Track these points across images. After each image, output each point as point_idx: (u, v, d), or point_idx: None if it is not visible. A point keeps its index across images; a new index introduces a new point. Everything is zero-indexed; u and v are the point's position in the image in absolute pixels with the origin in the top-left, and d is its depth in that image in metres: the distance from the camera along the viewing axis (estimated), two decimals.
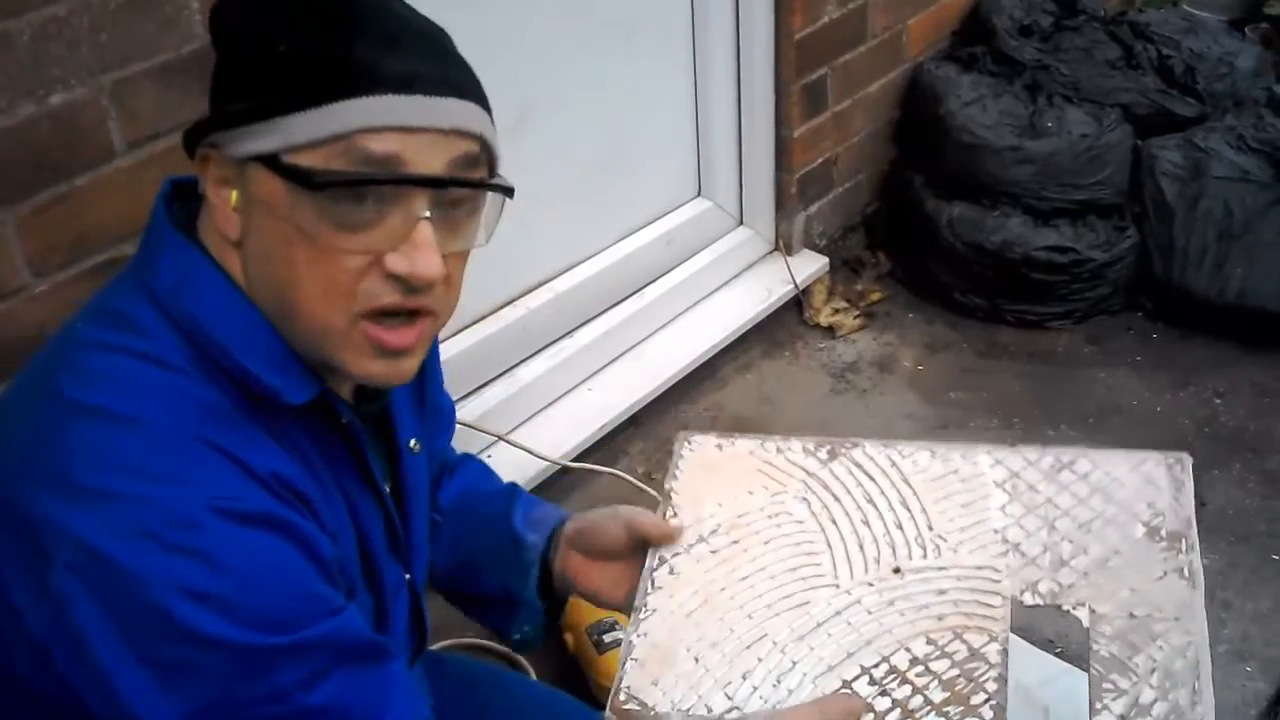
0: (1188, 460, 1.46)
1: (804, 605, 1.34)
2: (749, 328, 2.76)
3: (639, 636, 1.32)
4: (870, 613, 1.32)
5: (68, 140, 1.57)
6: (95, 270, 1.63)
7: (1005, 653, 1.28)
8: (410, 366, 1.02)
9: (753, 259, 2.89)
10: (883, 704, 1.24)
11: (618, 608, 1.40)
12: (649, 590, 1.37)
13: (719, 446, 1.51)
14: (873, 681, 1.26)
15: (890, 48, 2.99)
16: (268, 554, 0.93)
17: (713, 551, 1.40)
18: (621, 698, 1.27)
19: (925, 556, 1.37)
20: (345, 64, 0.94)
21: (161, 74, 1.63)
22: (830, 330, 2.85)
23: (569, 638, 1.91)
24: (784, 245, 2.89)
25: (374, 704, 1.00)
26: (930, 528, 1.40)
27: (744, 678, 1.28)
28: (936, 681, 1.25)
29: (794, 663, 1.29)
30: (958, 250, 2.87)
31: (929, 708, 1.23)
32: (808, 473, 1.47)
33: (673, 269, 2.72)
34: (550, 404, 2.43)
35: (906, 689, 1.25)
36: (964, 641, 1.28)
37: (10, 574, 0.91)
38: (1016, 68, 2.98)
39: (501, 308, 2.38)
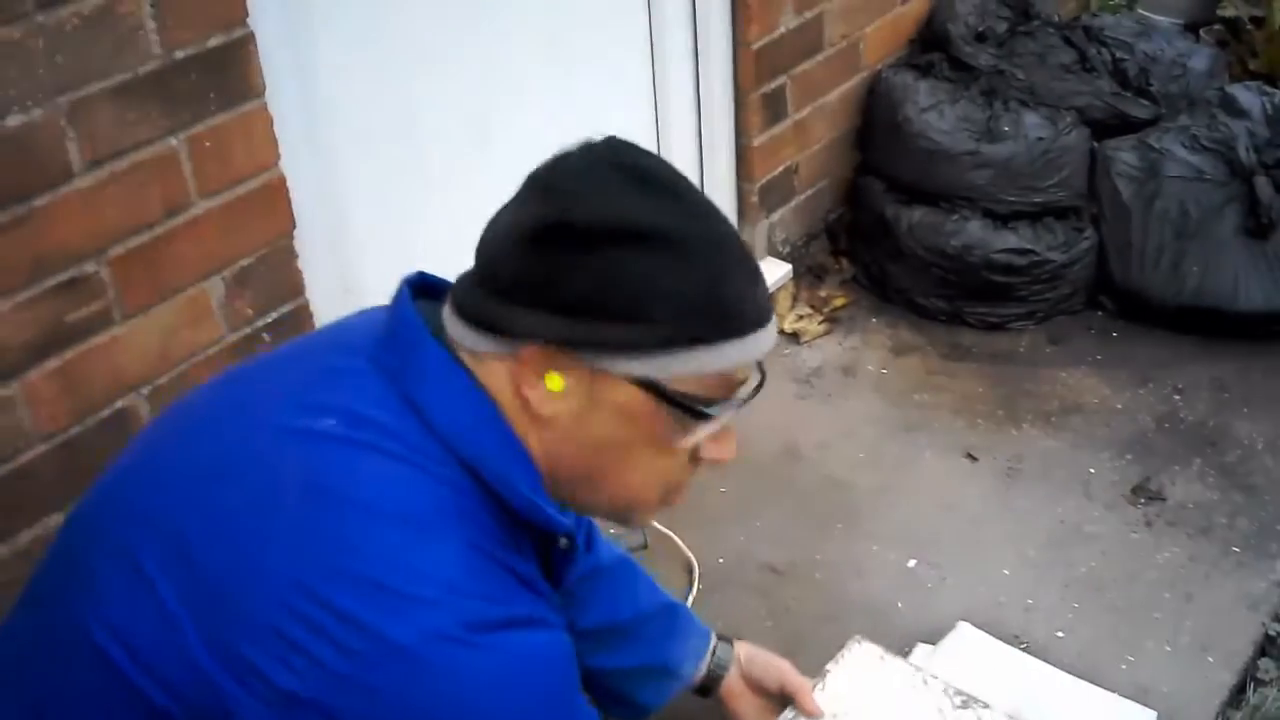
0: None
1: None
2: None
3: None
4: None
5: (25, 161, 1.57)
6: (57, 290, 1.64)
7: None
8: None
9: None
10: None
11: None
12: None
13: (880, 658, 1.86)
14: None
15: (848, 56, 3.02)
16: (550, 645, 1.06)
17: None
18: None
19: None
20: (741, 307, 1.06)
21: (119, 93, 1.64)
22: (795, 336, 2.87)
23: None
24: None
25: None
26: None
27: None
28: None
29: None
30: (919, 255, 2.90)
31: None
32: (938, 709, 1.78)
33: None
34: None
35: None
36: None
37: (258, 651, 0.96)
38: (973, 74, 3.01)
39: None
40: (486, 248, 1.09)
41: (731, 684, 1.72)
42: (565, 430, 1.08)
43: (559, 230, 1.02)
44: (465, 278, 1.10)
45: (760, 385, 1.16)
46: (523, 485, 1.06)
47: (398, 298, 1.12)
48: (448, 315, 1.09)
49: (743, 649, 1.74)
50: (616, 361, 1.04)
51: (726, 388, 1.10)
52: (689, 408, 1.06)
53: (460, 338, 1.07)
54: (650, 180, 1.05)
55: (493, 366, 1.07)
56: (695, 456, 1.15)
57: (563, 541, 1.15)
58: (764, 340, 1.10)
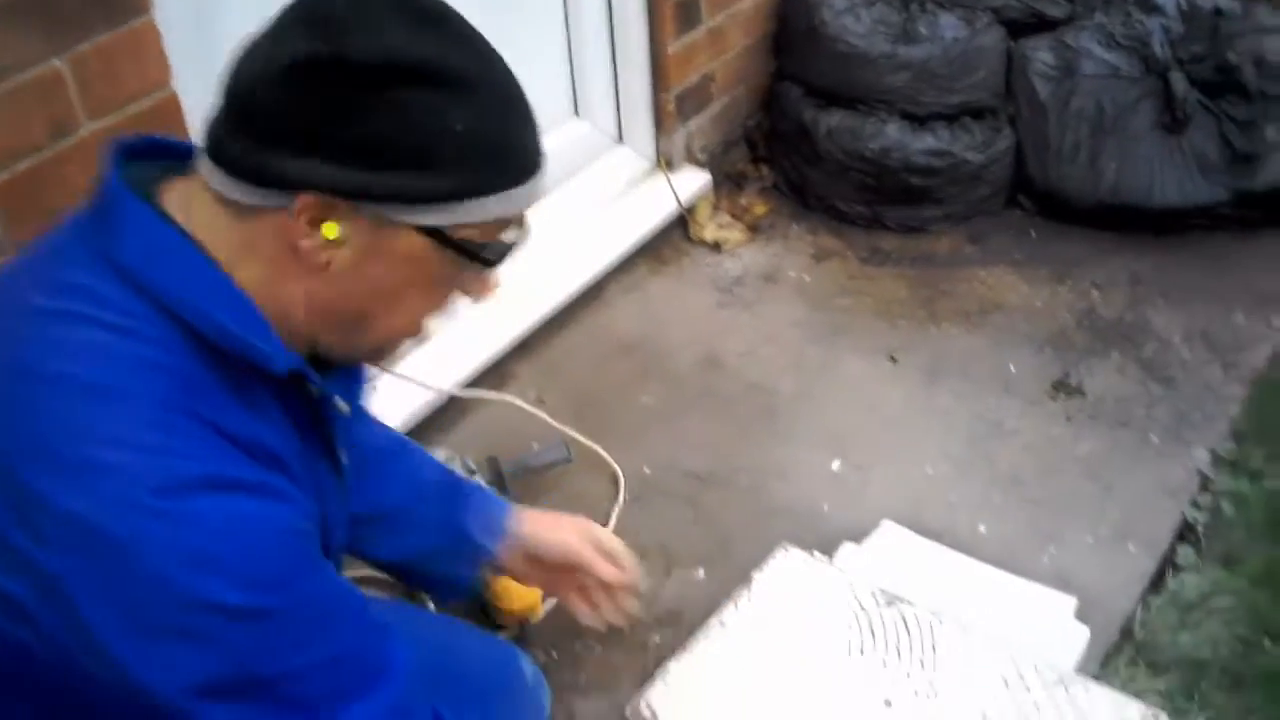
0: (1164, 717, 1.70)
1: (805, 699, 1.75)
2: (635, 248, 2.75)
3: (677, 668, 1.79)
4: None
5: None
6: None
7: None
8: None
9: (634, 178, 2.87)
10: None
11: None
12: (702, 638, 1.83)
13: (806, 562, 1.95)
14: None
15: None
16: (255, 517, 0.93)
17: (761, 634, 1.84)
18: (642, 704, 1.75)
19: (914, 699, 1.74)
20: (526, 152, 1.02)
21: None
22: (716, 246, 2.85)
23: None
24: (665, 163, 2.87)
25: (379, 647, 1.04)
26: (931, 683, 1.76)
27: None
28: None
29: None
30: (838, 159, 2.88)
31: None
32: (863, 608, 1.86)
33: (552, 192, 2.68)
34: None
35: None
36: None
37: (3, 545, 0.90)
38: None
39: None
40: (241, 87, 0.96)
41: (508, 560, 1.57)
42: (338, 277, 1.00)
43: (333, 67, 0.92)
44: (217, 125, 0.98)
45: (525, 229, 1.07)
46: (234, 324, 0.96)
47: (102, 162, 1.03)
48: (206, 167, 0.99)
49: (524, 522, 1.57)
50: (400, 211, 0.97)
51: (501, 230, 1.03)
52: (471, 253, 1.00)
53: (224, 190, 0.97)
54: (430, 17, 0.97)
55: (261, 219, 0.98)
56: (460, 294, 1.09)
57: (313, 389, 1.04)
58: (542, 185, 1.05)
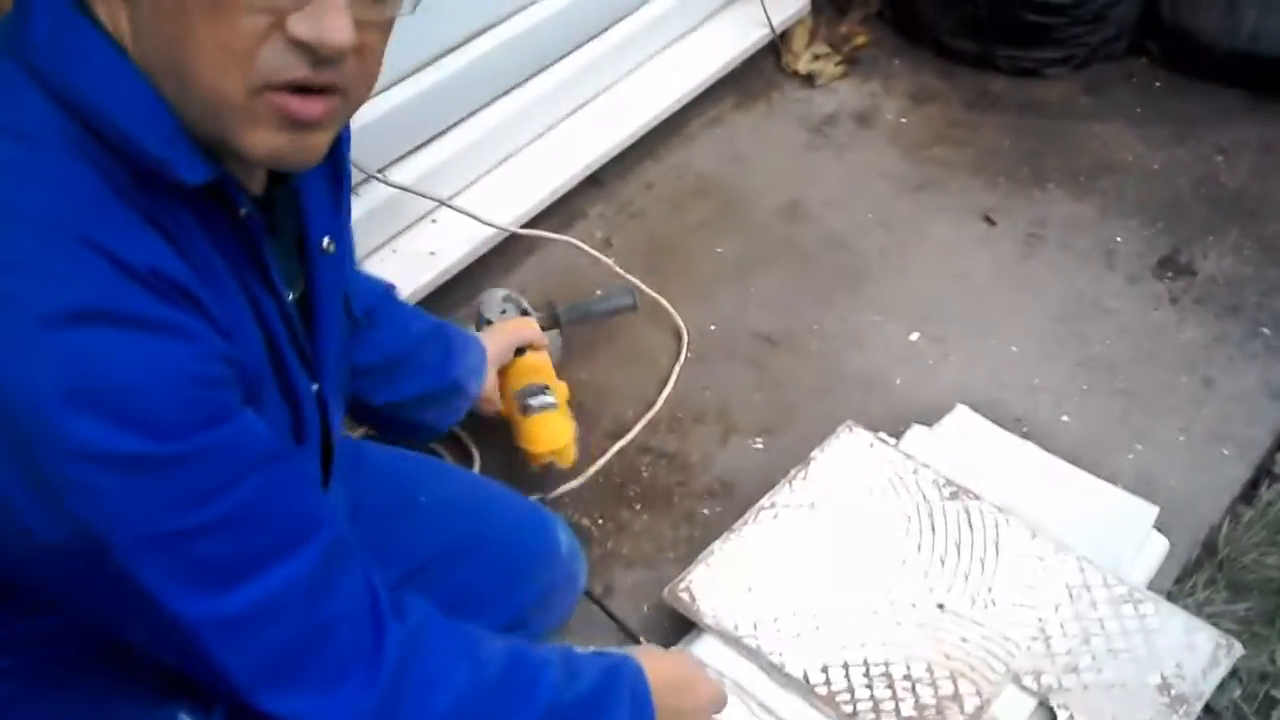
0: (1237, 648, 1.59)
1: (852, 592, 1.64)
2: (720, 76, 2.56)
3: (721, 551, 1.69)
4: (899, 624, 1.61)
5: None
6: None
7: (981, 709, 1.51)
8: (319, 144, 0.90)
9: None
10: (862, 693, 1.53)
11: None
12: (748, 522, 1.73)
13: (870, 444, 1.83)
14: (865, 674, 1.55)
15: None
16: (149, 356, 0.82)
17: (813, 519, 1.74)
18: (680, 586, 1.66)
19: (971, 606, 1.63)
20: None
21: None
22: (809, 79, 2.65)
23: (502, 403, 1.80)
24: None
25: (298, 510, 0.93)
26: (989, 589, 1.65)
27: (774, 620, 1.61)
28: (913, 701, 1.52)
29: (817, 628, 1.61)
30: None
31: (894, 715, 1.51)
32: (925, 499, 1.76)
33: (637, 9, 2.49)
34: (499, 164, 2.25)
35: (887, 692, 1.54)
36: (954, 684, 1.54)
37: None
38: None
39: (443, 55, 2.16)
40: None
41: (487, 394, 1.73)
42: (139, 6, 0.84)
43: None
44: None
45: None
46: (129, 122, 0.84)
47: None
48: None
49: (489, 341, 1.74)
50: None
51: None
52: None
53: None
54: None
55: None
56: (285, 35, 0.85)
57: (243, 211, 0.93)
58: None
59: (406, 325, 1.58)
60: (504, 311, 1.89)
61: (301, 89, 0.85)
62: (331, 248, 1.09)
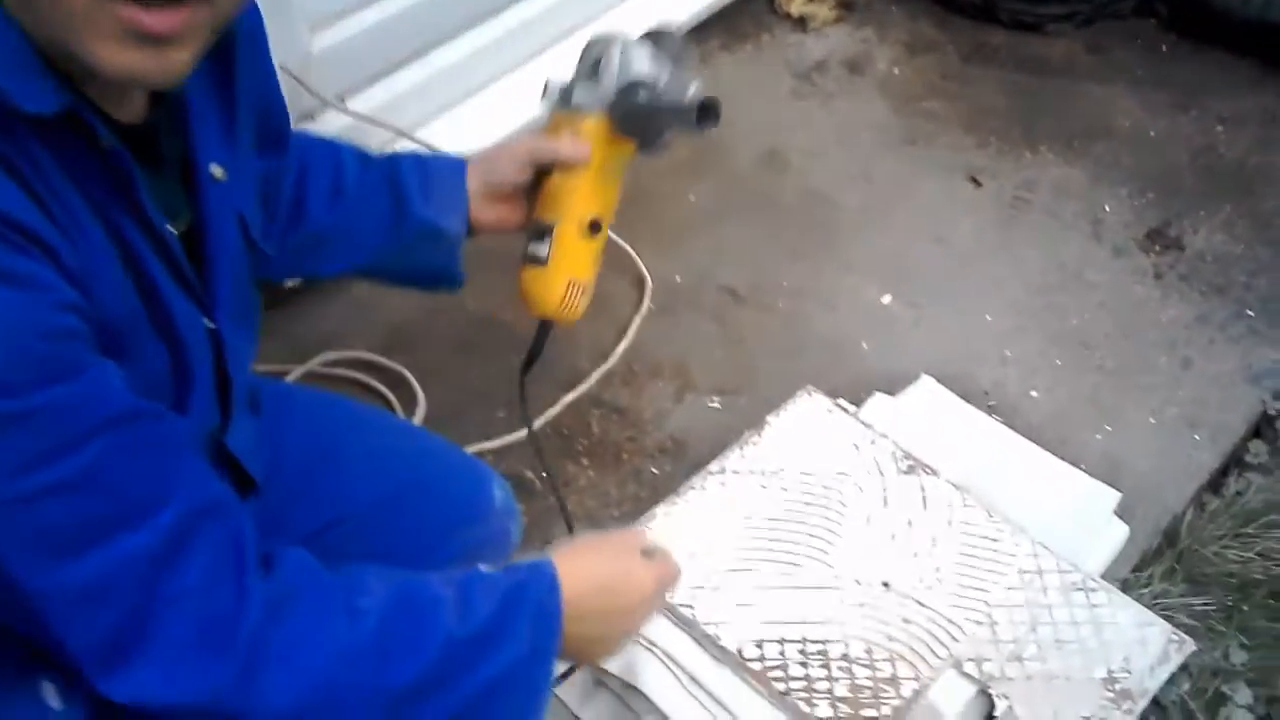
0: (1189, 645, 1.52)
1: (796, 567, 1.57)
2: (709, 13, 2.46)
3: (663, 514, 1.61)
4: (841, 602, 1.54)
5: None
6: None
7: (918, 694, 1.45)
8: (179, 60, 0.83)
9: None
10: (796, 671, 1.47)
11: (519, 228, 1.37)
12: (694, 487, 1.65)
13: (829, 410, 1.75)
14: (801, 651, 1.49)
15: None
16: None
17: (763, 486, 1.66)
18: None
19: (916, 586, 1.55)
20: None
21: None
22: (802, 22, 2.55)
23: None
24: None
25: (152, 475, 0.85)
26: (938, 569, 1.57)
27: (713, 590, 1.54)
28: (849, 682, 1.46)
29: (757, 601, 1.53)
30: None
31: (828, 696, 1.45)
32: (880, 471, 1.68)
33: None
34: (468, 96, 2.16)
35: (823, 672, 1.47)
36: (893, 666, 1.48)
37: None
38: None
39: None
40: None
41: (482, 220, 1.35)
42: None
43: None
44: None
45: None
46: None
47: None
48: None
49: (473, 178, 1.33)
50: None
51: None
52: None
53: None
54: None
55: None
56: None
57: (105, 142, 0.85)
58: None
59: (340, 183, 1.34)
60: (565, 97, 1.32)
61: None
62: (222, 175, 1.02)
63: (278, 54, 1.14)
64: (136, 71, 0.81)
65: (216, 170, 1.01)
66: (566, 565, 1.07)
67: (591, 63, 1.26)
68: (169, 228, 0.94)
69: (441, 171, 1.35)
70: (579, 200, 1.29)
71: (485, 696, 0.96)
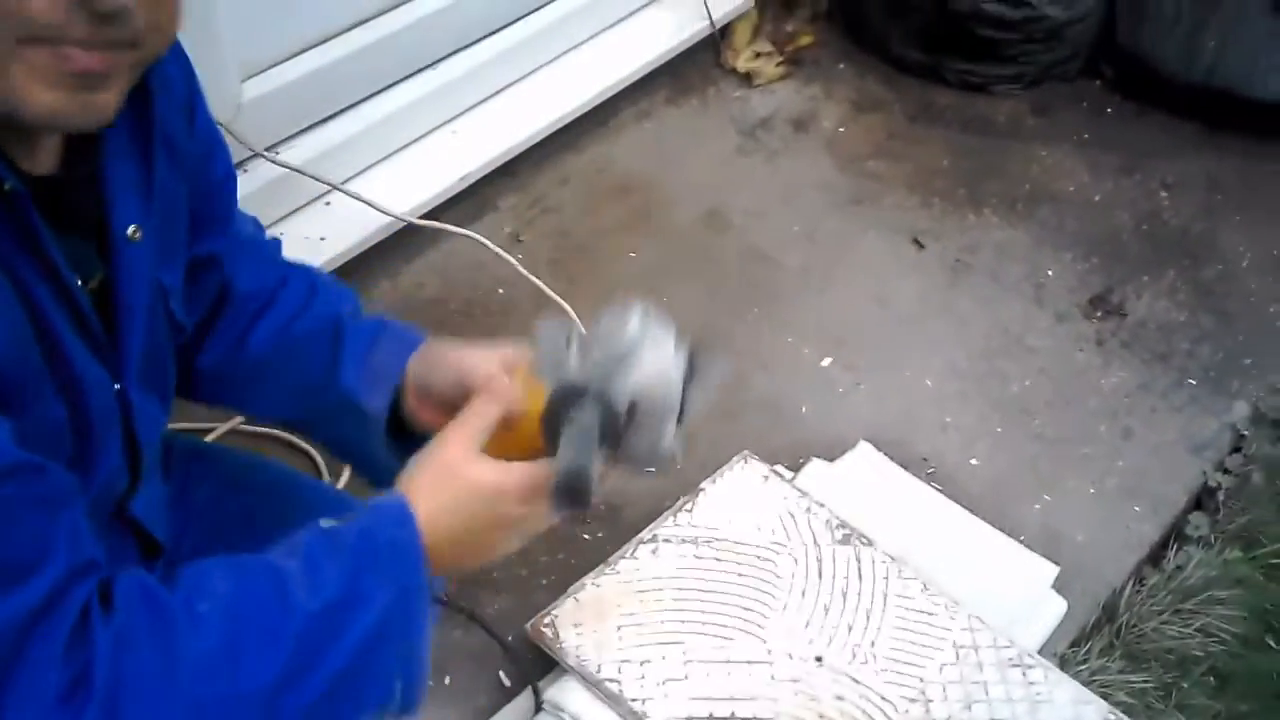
0: None
1: (728, 640, 1.54)
2: (654, 67, 2.43)
3: (592, 585, 1.58)
4: (773, 678, 1.51)
5: None
6: None
7: None
8: (105, 101, 0.79)
9: None
10: None
11: None
12: (625, 555, 1.61)
13: (765, 477, 1.72)
14: None
15: None
16: None
17: (696, 556, 1.63)
18: (545, 620, 1.54)
19: (850, 662, 1.53)
20: None
21: None
22: (748, 78, 2.53)
23: None
24: None
25: (31, 534, 0.79)
26: (873, 643, 1.55)
27: (641, 664, 1.51)
28: None
29: (686, 676, 1.50)
30: None
31: None
32: (816, 541, 1.65)
33: None
34: (404, 147, 2.12)
35: None
36: None
37: None
38: None
39: (351, 29, 2.03)
40: None
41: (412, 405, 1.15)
42: None
43: None
44: None
45: None
46: None
47: None
48: None
49: (413, 369, 1.14)
50: None
51: None
52: None
53: None
54: None
55: None
56: None
57: (7, 186, 0.81)
58: None
59: (290, 322, 1.22)
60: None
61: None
62: (138, 235, 0.97)
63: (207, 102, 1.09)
64: (61, 113, 0.78)
65: (133, 231, 0.96)
66: (413, 491, 0.94)
67: (611, 350, 0.94)
68: (78, 284, 0.90)
69: (390, 345, 1.16)
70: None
71: (366, 652, 0.87)
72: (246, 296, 1.20)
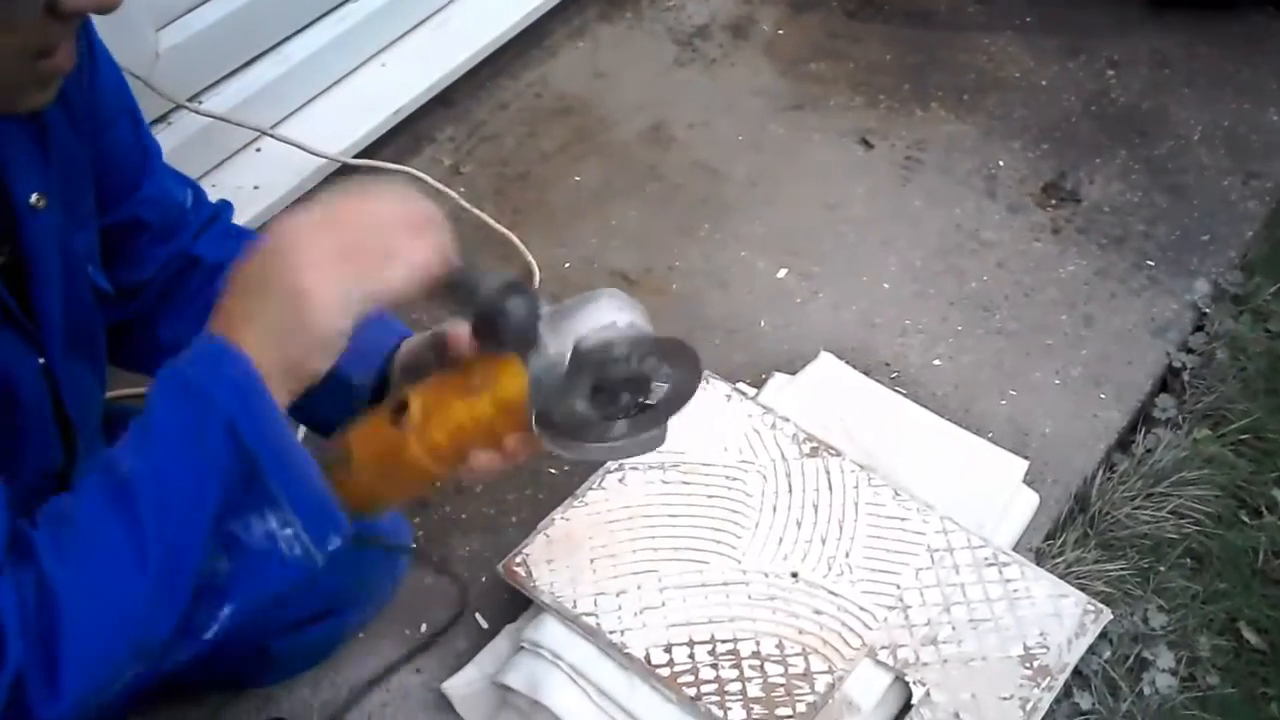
0: (1106, 615, 1.48)
1: (702, 564, 1.52)
2: None
3: (561, 519, 1.55)
4: (750, 598, 1.49)
5: None
6: None
7: (833, 687, 1.40)
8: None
9: None
10: (707, 674, 1.41)
11: None
12: (592, 486, 1.57)
13: (728, 396, 1.68)
14: (711, 653, 1.43)
15: None
16: None
17: (664, 481, 1.59)
18: (516, 559, 1.50)
19: (826, 575, 1.50)
20: None
21: None
22: None
23: None
24: None
25: None
26: (847, 554, 1.53)
27: (617, 595, 1.48)
28: (761, 681, 1.41)
29: (663, 603, 1.48)
30: None
31: (740, 698, 1.39)
32: (784, 456, 1.62)
33: None
34: (332, 85, 2.05)
35: (734, 672, 1.41)
36: (806, 660, 1.43)
37: None
38: None
39: None
40: None
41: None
42: None
43: None
44: None
45: None
46: None
47: None
48: None
49: (403, 353, 1.09)
50: None
51: None
52: None
53: None
54: None
55: None
56: (53, 10, 0.76)
57: None
58: None
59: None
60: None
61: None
62: (42, 203, 0.92)
63: (121, 56, 1.04)
64: (39, 105, 0.84)
65: (36, 199, 0.91)
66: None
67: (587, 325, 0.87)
68: None
69: (378, 327, 1.07)
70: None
71: (227, 453, 0.77)
72: (213, 267, 1.15)
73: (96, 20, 0.95)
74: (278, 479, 0.78)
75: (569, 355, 0.86)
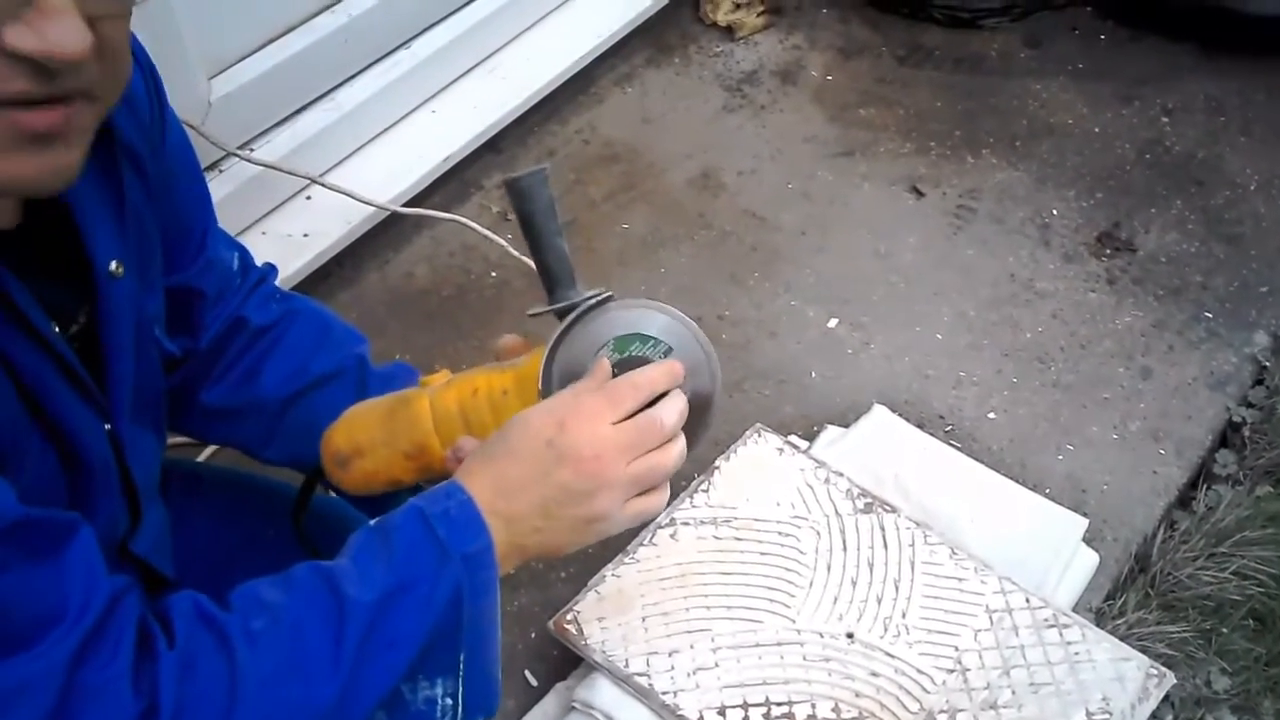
0: (1170, 679, 1.44)
1: (756, 623, 1.49)
2: (632, 28, 2.36)
3: (613, 576, 1.53)
4: (805, 659, 1.46)
5: None
6: None
7: None
8: (69, 161, 0.75)
9: None
10: None
11: None
12: (644, 542, 1.56)
13: (780, 450, 1.66)
14: (766, 715, 1.40)
15: None
16: None
17: (716, 537, 1.57)
18: (567, 617, 1.49)
19: (883, 636, 1.47)
20: None
21: None
22: (729, 31, 2.45)
23: None
24: None
25: (47, 586, 0.75)
26: (904, 615, 1.49)
27: (669, 655, 1.45)
28: None
29: (716, 664, 1.45)
30: None
31: None
32: (837, 512, 1.60)
33: None
34: (382, 133, 2.05)
35: None
36: None
37: None
38: None
39: (316, 15, 1.96)
40: None
41: None
42: None
43: None
44: None
45: None
46: None
47: None
48: None
49: None
50: None
51: None
52: None
53: None
54: None
55: None
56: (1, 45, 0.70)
57: None
58: None
59: (307, 357, 1.19)
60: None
61: (30, 102, 0.69)
62: (120, 270, 0.92)
63: (175, 104, 1.03)
64: (24, 178, 0.73)
65: (115, 266, 0.91)
66: (465, 466, 0.90)
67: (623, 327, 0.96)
68: (55, 331, 0.85)
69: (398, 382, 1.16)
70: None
71: (431, 629, 0.83)
72: (257, 331, 1.16)
73: None
74: (469, 650, 0.85)
75: (596, 351, 0.94)
